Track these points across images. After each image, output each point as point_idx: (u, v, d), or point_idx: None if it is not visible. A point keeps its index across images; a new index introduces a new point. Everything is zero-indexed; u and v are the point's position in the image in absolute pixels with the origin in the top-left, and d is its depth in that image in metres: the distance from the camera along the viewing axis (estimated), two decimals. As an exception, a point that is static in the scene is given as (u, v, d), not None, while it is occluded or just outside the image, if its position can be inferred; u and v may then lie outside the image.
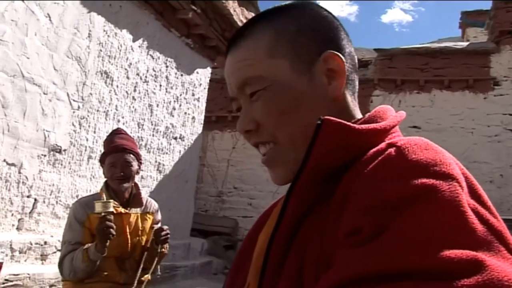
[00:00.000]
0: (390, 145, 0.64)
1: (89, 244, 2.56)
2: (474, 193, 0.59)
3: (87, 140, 6.36)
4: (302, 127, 0.74)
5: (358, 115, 0.81)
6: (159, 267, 2.92)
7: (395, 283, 0.50)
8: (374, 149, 0.65)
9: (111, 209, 2.52)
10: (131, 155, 2.80)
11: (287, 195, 0.69)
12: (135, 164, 2.81)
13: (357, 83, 0.84)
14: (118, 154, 2.77)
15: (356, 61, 0.84)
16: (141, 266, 2.74)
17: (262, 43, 0.77)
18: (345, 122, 0.67)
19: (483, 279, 0.48)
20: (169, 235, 2.80)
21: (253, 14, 10.01)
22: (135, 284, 2.72)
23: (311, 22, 0.79)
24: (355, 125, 0.68)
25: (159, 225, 2.91)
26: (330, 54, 0.76)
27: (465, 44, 12.33)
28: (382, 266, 0.51)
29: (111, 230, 2.46)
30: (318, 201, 0.69)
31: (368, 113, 0.78)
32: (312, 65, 0.76)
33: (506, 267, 0.50)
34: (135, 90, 7.34)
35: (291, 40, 0.77)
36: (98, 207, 2.48)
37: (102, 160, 2.85)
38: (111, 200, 2.55)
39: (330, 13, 0.83)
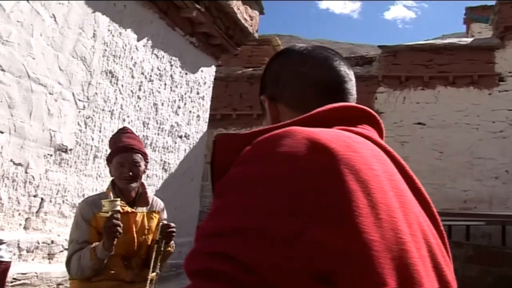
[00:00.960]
0: (252, 142, 0.75)
1: (97, 243, 2.58)
2: (324, 166, 0.67)
3: (92, 139, 6.39)
4: None
5: None
6: (164, 265, 2.94)
7: (198, 243, 0.68)
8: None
9: (119, 208, 2.54)
10: (139, 155, 2.81)
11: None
12: (142, 164, 2.83)
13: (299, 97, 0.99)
14: (126, 154, 2.78)
15: (308, 80, 1.00)
16: (152, 265, 2.76)
17: None
18: (228, 133, 0.83)
19: (251, 235, 0.63)
20: (174, 232, 2.82)
21: (257, 12, 10.02)
22: (148, 283, 2.74)
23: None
24: (237, 133, 0.82)
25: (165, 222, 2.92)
26: (263, 98, 1.04)
27: (469, 40, 12.31)
28: (209, 229, 0.68)
29: (118, 228, 2.48)
30: None
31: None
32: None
33: (297, 229, 0.62)
34: (140, 89, 7.37)
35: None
36: (105, 205, 2.50)
37: (109, 160, 2.86)
38: (118, 199, 2.57)
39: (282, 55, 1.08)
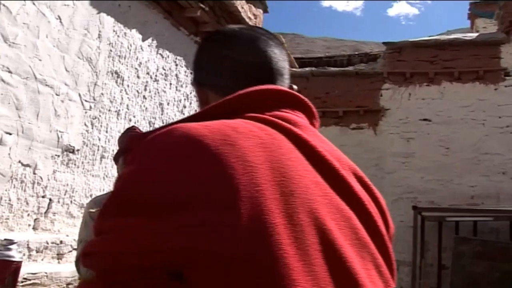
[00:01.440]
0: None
1: (106, 242, 2.60)
2: (225, 165, 0.66)
3: (99, 139, 6.43)
4: None
5: None
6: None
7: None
8: None
9: None
10: None
11: None
12: None
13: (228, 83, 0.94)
14: None
15: (237, 68, 0.97)
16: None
17: None
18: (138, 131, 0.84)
19: (108, 239, 0.66)
20: None
21: (261, 11, 10.03)
22: None
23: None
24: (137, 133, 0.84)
25: None
26: (192, 84, 1.05)
27: (474, 35, 12.27)
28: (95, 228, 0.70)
29: None
30: None
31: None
32: None
33: (140, 228, 0.63)
34: (145, 89, 7.40)
35: None
36: None
37: (116, 159, 2.89)
38: None
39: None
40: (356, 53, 15.54)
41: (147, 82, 7.42)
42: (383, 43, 12.42)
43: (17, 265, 2.40)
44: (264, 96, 0.85)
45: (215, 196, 0.64)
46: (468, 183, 10.75)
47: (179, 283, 0.61)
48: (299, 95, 0.90)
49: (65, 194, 5.89)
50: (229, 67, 0.98)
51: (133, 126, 3.18)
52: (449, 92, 11.40)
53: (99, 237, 0.68)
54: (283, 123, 0.80)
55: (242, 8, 9.05)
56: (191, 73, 8.38)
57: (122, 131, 6.32)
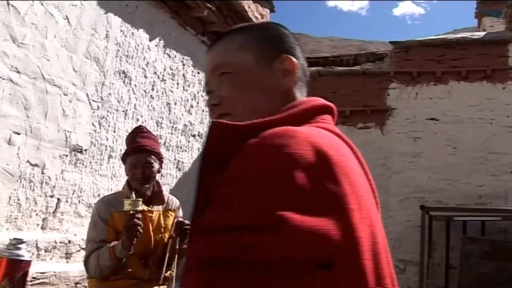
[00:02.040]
0: (258, 136, 0.80)
1: (115, 242, 2.61)
2: (325, 168, 0.76)
3: (107, 139, 6.44)
4: (254, 106, 0.97)
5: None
6: (180, 263, 2.96)
7: (215, 235, 0.71)
8: (248, 141, 0.82)
9: (140, 208, 2.55)
10: (152, 156, 2.81)
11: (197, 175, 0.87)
12: (156, 165, 2.83)
13: (305, 89, 1.06)
14: (139, 155, 2.79)
15: (307, 73, 1.08)
16: (165, 262, 2.78)
17: (234, 41, 1.03)
18: (227, 122, 0.86)
19: (282, 230, 0.68)
20: (189, 227, 2.82)
21: (267, 10, 10.03)
22: (161, 280, 2.77)
23: (276, 34, 1.05)
24: (236, 123, 0.85)
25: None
26: (287, 57, 1.01)
27: (481, 34, 12.20)
28: (209, 224, 0.73)
29: (139, 228, 2.50)
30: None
31: (289, 104, 0.96)
32: (272, 62, 1.00)
33: (315, 221, 0.70)
34: (153, 89, 7.41)
35: (259, 43, 1.02)
36: (126, 205, 2.51)
37: (123, 159, 2.89)
38: (140, 199, 2.58)
39: (292, 34, 1.08)
40: (362, 52, 15.49)
41: (154, 82, 7.44)
42: (390, 42, 12.36)
43: (27, 265, 2.40)
44: (319, 107, 0.97)
45: (352, 206, 0.75)
46: (476, 182, 10.69)
47: (324, 272, 0.69)
48: (328, 103, 1.01)
49: (73, 194, 5.91)
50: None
51: (140, 125, 3.18)
52: (456, 91, 11.33)
53: (264, 229, 0.70)
54: (336, 130, 0.91)
55: (249, 7, 9.05)
56: (198, 72, 8.40)
57: (129, 130, 6.33)
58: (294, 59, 1.02)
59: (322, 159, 0.76)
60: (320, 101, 0.98)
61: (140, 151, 2.79)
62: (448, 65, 11.36)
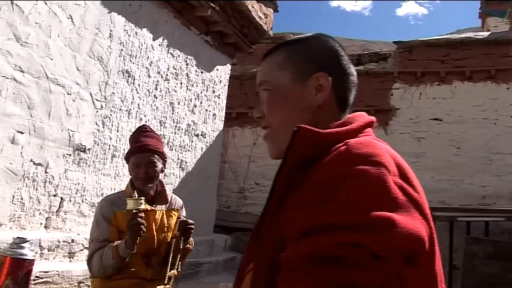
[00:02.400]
0: (345, 143, 0.90)
1: (118, 241, 2.60)
2: (403, 176, 0.86)
3: (110, 139, 6.45)
4: (288, 121, 1.05)
5: (341, 119, 1.08)
6: (183, 262, 2.95)
7: (329, 233, 0.77)
8: (335, 147, 0.91)
9: (143, 207, 2.55)
10: (156, 155, 2.80)
11: (274, 178, 0.96)
12: (159, 164, 2.82)
13: (351, 96, 1.13)
14: (142, 154, 2.78)
15: (353, 78, 1.14)
16: (170, 261, 2.77)
17: (277, 60, 1.12)
18: (313, 128, 0.94)
19: (392, 230, 0.75)
20: (193, 228, 2.82)
21: (271, 10, 10.01)
22: (166, 280, 2.76)
23: (315, 50, 1.11)
24: (320, 130, 0.94)
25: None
26: (321, 74, 1.07)
27: (486, 34, 12.16)
28: (326, 220, 0.78)
29: (142, 227, 2.49)
30: (294, 185, 0.93)
31: (344, 118, 1.07)
32: (306, 79, 1.07)
33: (413, 222, 0.79)
34: (156, 89, 7.41)
35: (296, 61, 1.10)
36: (130, 204, 2.50)
37: (127, 159, 2.88)
38: (143, 198, 2.57)
39: (337, 43, 1.15)
40: (366, 52, 15.46)
41: (157, 81, 7.44)
42: (394, 42, 12.34)
43: (30, 263, 2.40)
44: (370, 122, 1.07)
45: (426, 209, 0.86)
46: (479, 183, 10.66)
47: (414, 269, 0.79)
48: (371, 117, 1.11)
49: (76, 193, 5.92)
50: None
51: (144, 125, 3.16)
52: (460, 91, 11.31)
53: (374, 229, 0.76)
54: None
55: (253, 7, 9.04)
56: (201, 72, 8.40)
57: (133, 130, 6.33)
58: (327, 76, 1.07)
59: (399, 168, 0.87)
60: (369, 117, 1.08)
61: (143, 150, 2.78)
62: (452, 65, 11.33)
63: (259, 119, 1.14)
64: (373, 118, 1.09)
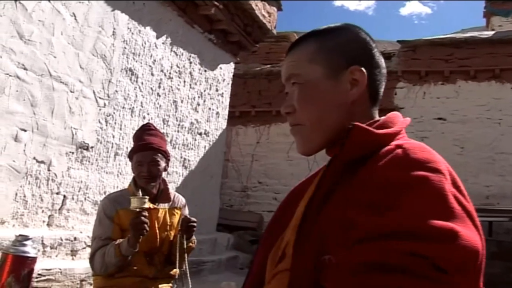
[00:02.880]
0: (398, 146, 0.90)
1: (121, 240, 2.59)
2: (455, 184, 0.85)
3: (113, 137, 6.44)
4: (322, 117, 1.03)
5: (375, 116, 1.08)
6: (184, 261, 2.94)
7: (396, 241, 0.75)
8: (386, 148, 0.91)
9: (147, 206, 2.54)
10: (159, 154, 2.80)
11: (323, 174, 0.96)
12: (162, 163, 2.81)
13: (382, 90, 1.11)
14: (145, 152, 2.77)
15: (384, 71, 1.11)
16: (177, 259, 2.76)
17: (307, 51, 1.07)
18: (368, 127, 0.93)
19: (456, 242, 0.75)
20: (195, 226, 2.81)
21: (275, 9, 9.99)
22: (175, 276, 2.75)
23: (347, 42, 1.07)
24: (375, 130, 0.94)
25: None
26: (356, 68, 1.03)
27: (490, 33, 12.11)
28: (390, 228, 0.77)
29: (145, 226, 2.48)
30: (343, 180, 0.92)
31: (382, 118, 1.05)
32: (340, 73, 1.04)
33: (471, 234, 0.78)
34: (159, 87, 7.40)
35: (329, 53, 1.05)
36: (133, 202, 2.50)
37: (130, 157, 2.88)
38: (147, 197, 2.56)
39: (367, 35, 1.11)
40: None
41: (161, 79, 7.43)
42: (398, 41, 12.31)
43: (32, 261, 2.40)
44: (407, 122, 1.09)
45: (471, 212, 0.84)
46: (483, 182, 10.63)
47: (463, 277, 0.76)
48: None
49: (79, 191, 5.92)
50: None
51: (148, 123, 3.16)
52: (464, 90, 11.27)
53: (441, 239, 0.76)
54: None
55: (256, 5, 9.02)
56: (205, 70, 8.39)
57: (136, 128, 6.33)
58: (363, 69, 1.04)
59: (451, 174, 0.87)
60: (405, 118, 1.08)
61: (146, 148, 2.78)
62: (456, 65, 11.30)
63: (287, 114, 1.09)
64: (408, 119, 1.09)
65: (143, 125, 3.05)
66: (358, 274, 0.76)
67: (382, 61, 1.11)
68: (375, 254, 0.76)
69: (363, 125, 0.93)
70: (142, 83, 6.99)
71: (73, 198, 5.83)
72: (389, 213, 0.79)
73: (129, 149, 2.97)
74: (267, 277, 1.07)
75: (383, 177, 0.84)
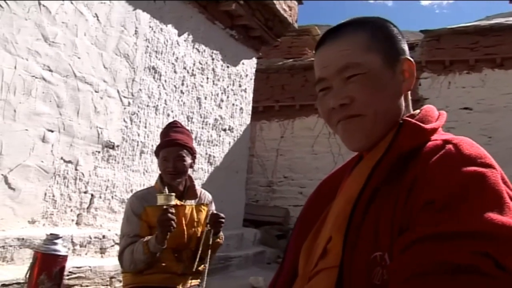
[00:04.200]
0: (446, 141, 0.90)
1: (149, 237, 2.62)
2: (503, 179, 0.85)
3: (138, 135, 6.49)
4: (384, 108, 1.00)
5: (410, 110, 1.08)
6: (213, 257, 2.96)
7: (460, 240, 0.75)
8: (433, 143, 0.91)
9: (173, 202, 2.56)
10: (185, 150, 2.82)
11: (372, 169, 0.94)
12: (188, 159, 2.83)
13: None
14: (171, 148, 2.80)
15: None
16: (199, 256, 2.78)
17: (361, 39, 1.02)
18: (417, 123, 0.94)
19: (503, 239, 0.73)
20: (223, 221, 2.83)
21: (295, 3, 9.94)
22: (204, 274, 2.77)
23: (393, 33, 1.06)
24: (424, 125, 0.95)
25: None
26: (407, 59, 1.04)
27: (517, 19, 11.86)
28: (450, 227, 0.76)
29: (172, 222, 2.50)
30: (390, 177, 0.92)
31: (420, 111, 1.04)
32: (395, 64, 1.03)
33: None
34: (183, 84, 7.44)
35: (383, 42, 1.03)
36: (160, 199, 2.52)
37: (156, 153, 2.90)
38: (174, 194, 2.58)
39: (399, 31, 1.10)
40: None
41: (184, 77, 7.46)
42: (421, 31, 12.14)
43: (63, 259, 2.44)
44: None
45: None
46: (512, 172, 10.45)
47: (504, 273, 0.74)
48: None
49: (106, 190, 5.98)
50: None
51: (175, 120, 3.18)
52: (490, 79, 11.07)
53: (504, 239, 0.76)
54: None
55: (277, 0, 8.99)
56: (227, 66, 8.40)
57: (160, 126, 6.38)
58: (412, 61, 1.05)
59: (499, 170, 0.87)
60: (442, 112, 1.07)
61: (172, 144, 2.80)
62: (482, 53, 11.09)
63: (342, 106, 1.02)
64: (444, 112, 1.08)
65: (170, 123, 3.08)
66: (421, 275, 0.76)
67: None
68: (447, 253, 0.75)
69: (413, 121, 0.94)
70: (165, 81, 7.03)
71: (100, 197, 5.90)
72: (448, 212, 0.78)
73: (154, 147, 3.00)
74: (303, 273, 1.06)
75: (439, 174, 0.83)
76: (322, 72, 1.05)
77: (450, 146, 0.88)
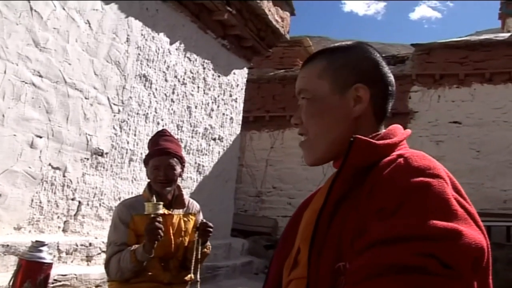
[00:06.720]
0: (399, 155, 0.96)
1: (136, 245, 2.60)
2: (455, 188, 0.91)
3: (128, 143, 6.47)
4: (326, 130, 1.10)
5: (379, 130, 1.13)
6: (200, 267, 2.94)
7: (406, 243, 0.80)
8: (388, 158, 0.97)
9: (161, 211, 2.54)
10: (175, 159, 2.81)
11: (331, 183, 0.99)
12: (178, 168, 2.82)
13: (388, 106, 1.16)
14: (162, 157, 2.79)
15: (392, 88, 1.16)
16: (192, 265, 2.76)
17: (315, 68, 1.14)
18: (369, 139, 0.99)
19: (460, 240, 0.80)
20: (211, 231, 2.82)
21: (288, 13, 9.99)
22: (190, 282, 2.75)
23: (357, 61, 1.12)
24: (375, 141, 1.00)
25: None
26: (360, 86, 1.09)
27: (506, 35, 12.00)
28: (397, 232, 0.82)
29: (160, 231, 2.49)
30: (350, 190, 0.98)
31: (383, 130, 1.10)
32: (345, 90, 1.09)
33: (474, 233, 0.83)
34: (173, 93, 7.43)
35: (335, 70, 1.11)
36: (148, 208, 2.50)
37: (146, 162, 2.88)
38: (162, 203, 2.57)
39: (376, 52, 1.18)
40: (383, 55, 15.34)
41: (175, 85, 7.45)
42: (412, 44, 12.24)
43: (48, 267, 2.41)
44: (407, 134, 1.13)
45: (473, 215, 0.89)
46: (500, 186, 10.51)
47: (474, 274, 0.83)
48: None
49: (94, 197, 5.94)
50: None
51: (163, 129, 3.17)
52: (480, 93, 11.17)
53: (448, 239, 0.81)
54: None
55: (269, 10, 9.02)
56: (218, 76, 8.40)
57: (150, 134, 6.35)
58: (366, 88, 1.09)
59: (451, 180, 0.93)
60: (405, 130, 1.13)
61: (163, 153, 2.79)
62: (472, 67, 11.20)
63: (296, 125, 1.16)
64: (408, 130, 1.14)
65: (159, 131, 3.07)
66: (373, 277, 0.81)
67: (390, 78, 1.16)
68: (393, 256, 0.80)
69: (364, 137, 0.98)
70: (156, 89, 7.02)
71: (88, 204, 5.86)
72: (396, 218, 0.84)
73: (144, 155, 2.98)
74: (283, 284, 1.12)
75: (388, 185, 0.90)
76: (296, 93, 1.20)
77: (401, 159, 0.94)
